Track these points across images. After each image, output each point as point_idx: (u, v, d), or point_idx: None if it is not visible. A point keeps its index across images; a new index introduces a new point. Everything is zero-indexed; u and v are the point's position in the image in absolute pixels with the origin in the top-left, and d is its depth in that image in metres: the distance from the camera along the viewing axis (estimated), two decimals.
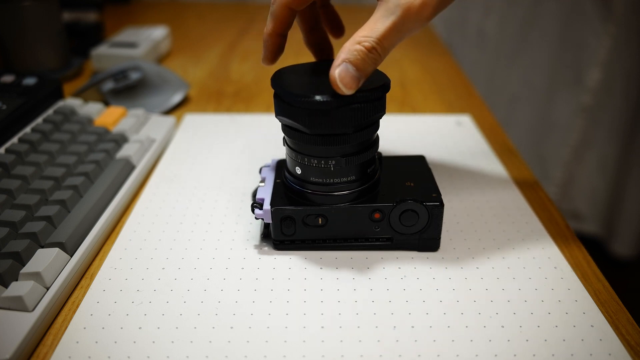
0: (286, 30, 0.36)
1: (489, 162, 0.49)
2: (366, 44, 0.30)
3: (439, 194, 0.35)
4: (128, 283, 0.34)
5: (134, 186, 0.44)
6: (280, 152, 0.50)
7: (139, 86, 0.59)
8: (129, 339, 0.30)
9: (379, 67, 0.33)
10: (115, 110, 0.52)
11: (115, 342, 0.29)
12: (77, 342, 0.29)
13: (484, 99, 0.66)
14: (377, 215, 0.35)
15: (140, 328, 0.30)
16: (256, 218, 0.36)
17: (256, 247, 0.37)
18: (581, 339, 0.30)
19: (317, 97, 0.31)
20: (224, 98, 0.64)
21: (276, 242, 0.36)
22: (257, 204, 0.35)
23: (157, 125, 0.53)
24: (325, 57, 0.41)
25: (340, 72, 0.30)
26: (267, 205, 0.35)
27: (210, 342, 0.29)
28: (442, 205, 0.35)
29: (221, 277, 0.34)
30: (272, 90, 0.33)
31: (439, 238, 0.36)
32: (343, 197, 0.35)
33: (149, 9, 1.08)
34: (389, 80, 0.33)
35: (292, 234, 0.36)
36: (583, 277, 0.35)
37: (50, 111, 0.50)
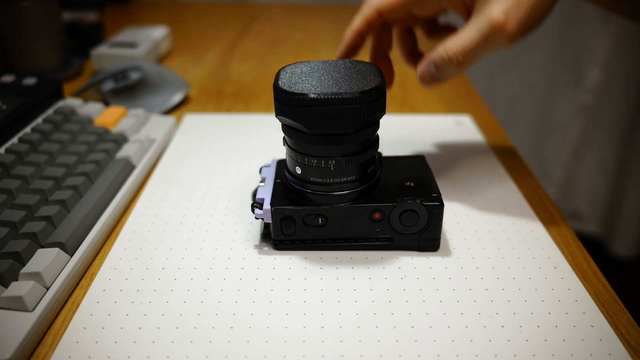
0: (368, 33, 0.39)
1: (489, 162, 0.49)
2: (450, 51, 0.34)
3: (439, 194, 0.35)
4: (128, 283, 0.34)
5: (134, 186, 0.44)
6: (280, 152, 0.50)
7: (139, 86, 0.59)
8: (129, 339, 0.30)
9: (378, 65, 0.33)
10: (115, 110, 0.52)
11: (115, 342, 0.29)
12: (77, 342, 0.29)
13: (484, 99, 0.66)
14: (377, 215, 0.35)
15: (140, 328, 0.30)
16: (256, 218, 0.36)
17: (256, 247, 0.37)
18: (581, 339, 0.30)
19: (317, 97, 0.31)
20: (224, 98, 0.64)
21: (276, 242, 0.36)
22: (257, 204, 0.35)
23: (157, 125, 0.53)
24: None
25: (423, 68, 0.35)
26: (267, 205, 0.35)
27: (210, 342, 0.29)
28: (442, 205, 0.35)
29: (221, 277, 0.34)
30: (272, 90, 0.33)
31: (439, 238, 0.36)
32: (343, 197, 0.35)
33: (149, 9, 1.08)
34: (384, 81, 0.33)
35: (292, 233, 0.36)
36: (583, 277, 0.35)
37: (50, 111, 0.50)
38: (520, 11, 0.32)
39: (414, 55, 0.44)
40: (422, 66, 0.35)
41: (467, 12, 0.37)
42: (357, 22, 0.38)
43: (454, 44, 0.34)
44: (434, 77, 0.35)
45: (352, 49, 0.39)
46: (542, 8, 0.33)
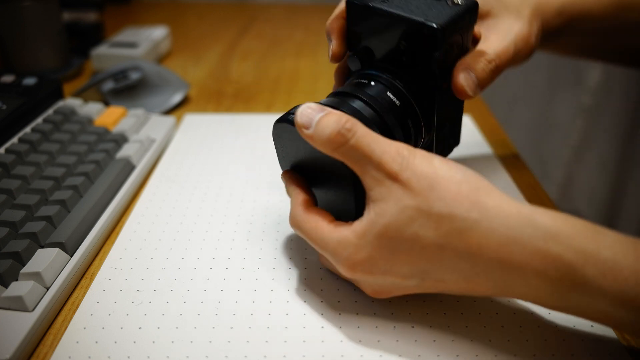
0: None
1: (489, 162, 0.49)
2: (489, 57, 0.36)
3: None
4: (128, 283, 0.34)
5: (134, 186, 0.44)
6: None
7: (139, 86, 0.59)
8: (129, 339, 0.30)
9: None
10: (115, 110, 0.52)
11: (115, 342, 0.29)
12: (77, 342, 0.29)
13: (484, 99, 0.66)
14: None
15: (140, 328, 0.30)
16: None
17: (256, 247, 0.37)
18: (581, 339, 0.30)
19: None
20: (224, 98, 0.64)
21: None
22: None
23: (157, 125, 0.53)
24: None
25: (464, 78, 0.34)
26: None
27: (210, 342, 0.29)
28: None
29: (221, 277, 0.34)
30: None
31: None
32: None
33: (149, 9, 1.08)
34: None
35: None
36: None
37: (50, 111, 0.50)
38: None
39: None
40: (463, 76, 0.34)
41: None
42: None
43: (488, 53, 0.36)
44: (475, 83, 0.35)
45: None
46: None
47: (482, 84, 0.35)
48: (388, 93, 0.34)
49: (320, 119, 0.28)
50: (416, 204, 0.26)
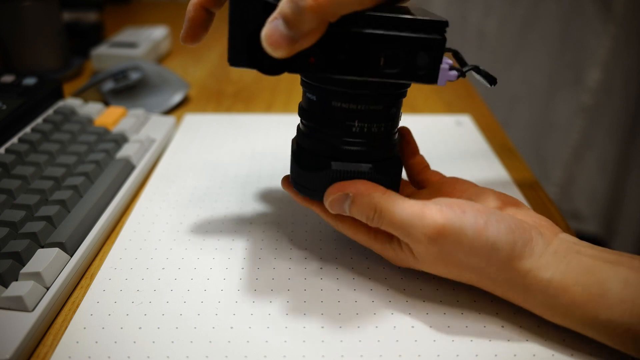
0: (213, 6, 0.32)
1: (489, 162, 0.49)
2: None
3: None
4: (128, 283, 0.34)
5: (134, 186, 0.44)
6: (279, 154, 0.50)
7: (139, 86, 0.59)
8: (129, 339, 0.30)
9: None
10: (115, 110, 0.53)
11: (115, 342, 0.29)
12: (77, 342, 0.29)
13: (484, 99, 0.66)
14: None
15: (140, 328, 0.30)
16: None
17: (256, 247, 0.37)
18: (581, 339, 0.30)
19: None
20: (224, 98, 0.64)
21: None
22: None
23: (157, 125, 0.53)
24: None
25: (269, 30, 0.25)
26: None
27: (210, 342, 0.29)
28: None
29: (221, 277, 0.34)
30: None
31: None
32: None
33: (149, 9, 1.08)
34: None
35: None
36: None
37: (50, 111, 0.50)
38: None
39: None
40: (267, 28, 0.25)
41: None
42: None
43: None
44: (286, 36, 0.25)
45: (199, 26, 0.32)
46: None
47: (299, 37, 0.25)
48: (307, 94, 0.33)
49: (351, 211, 0.32)
50: (448, 269, 0.31)
